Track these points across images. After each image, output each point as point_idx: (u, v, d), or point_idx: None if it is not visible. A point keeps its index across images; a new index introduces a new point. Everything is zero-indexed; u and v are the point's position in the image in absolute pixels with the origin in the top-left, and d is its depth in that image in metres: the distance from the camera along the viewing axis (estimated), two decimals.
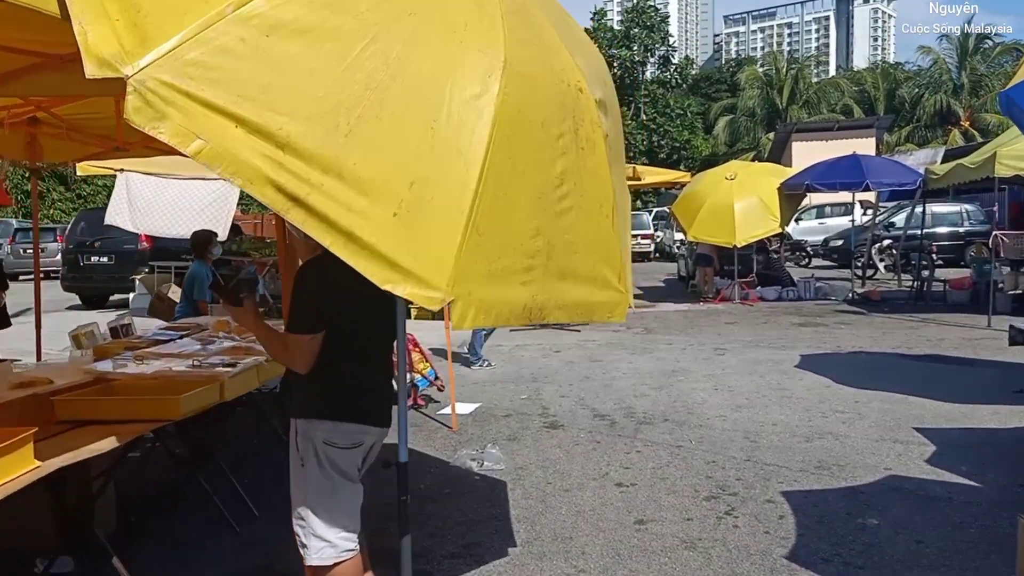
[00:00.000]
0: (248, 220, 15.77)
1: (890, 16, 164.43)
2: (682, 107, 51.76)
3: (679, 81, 55.21)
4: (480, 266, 2.22)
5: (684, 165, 43.28)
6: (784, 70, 53.24)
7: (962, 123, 45.39)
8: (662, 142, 49.33)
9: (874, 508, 4.40)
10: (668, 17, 57.19)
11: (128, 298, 13.99)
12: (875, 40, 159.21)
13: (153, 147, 5.25)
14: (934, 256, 15.13)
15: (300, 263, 2.68)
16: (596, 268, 2.74)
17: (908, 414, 6.33)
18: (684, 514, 4.38)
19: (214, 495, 4.24)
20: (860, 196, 16.58)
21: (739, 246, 13.98)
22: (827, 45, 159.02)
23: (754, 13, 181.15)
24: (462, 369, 8.47)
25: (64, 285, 15.38)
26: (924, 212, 15.35)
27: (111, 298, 15.43)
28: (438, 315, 6.26)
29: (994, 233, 11.95)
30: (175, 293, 6.91)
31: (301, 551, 2.65)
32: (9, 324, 7.49)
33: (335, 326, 2.57)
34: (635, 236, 25.90)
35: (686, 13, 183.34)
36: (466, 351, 8.83)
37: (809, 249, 22.84)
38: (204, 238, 6.53)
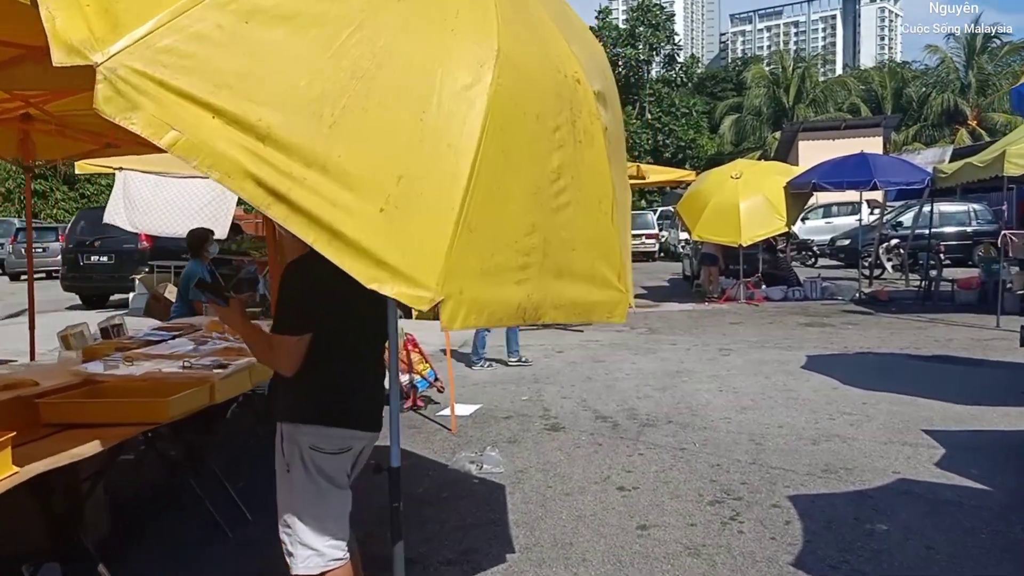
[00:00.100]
0: (250, 219, 15.66)
1: (897, 15, 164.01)
2: (687, 106, 51.52)
3: (684, 80, 54.99)
4: (472, 264, 2.12)
5: (689, 164, 43.10)
6: (791, 69, 53.02)
7: (969, 122, 45.16)
8: (667, 141, 49.11)
9: (883, 513, 4.30)
10: (673, 16, 57.09)
11: (128, 298, 13.93)
12: (882, 39, 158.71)
13: (145, 143, 5.15)
14: (942, 256, 14.98)
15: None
16: (595, 266, 2.63)
17: (917, 416, 6.21)
18: (688, 519, 4.28)
19: (207, 499, 4.16)
20: (867, 195, 16.44)
21: (744, 245, 13.87)
22: (834, 44, 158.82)
23: (760, 12, 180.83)
24: (463, 370, 8.38)
25: (64, 285, 15.30)
26: (932, 211, 15.21)
27: (111, 298, 15.37)
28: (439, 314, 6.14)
29: (1003, 232, 11.81)
30: (172, 293, 6.84)
31: (287, 560, 2.56)
32: None
33: (322, 327, 2.47)
34: (640, 235, 25.85)
35: (692, 12, 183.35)
36: (470, 351, 8.72)
37: (815, 249, 22.69)
38: (200, 236, 6.44)
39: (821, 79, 57.63)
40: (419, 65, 2.07)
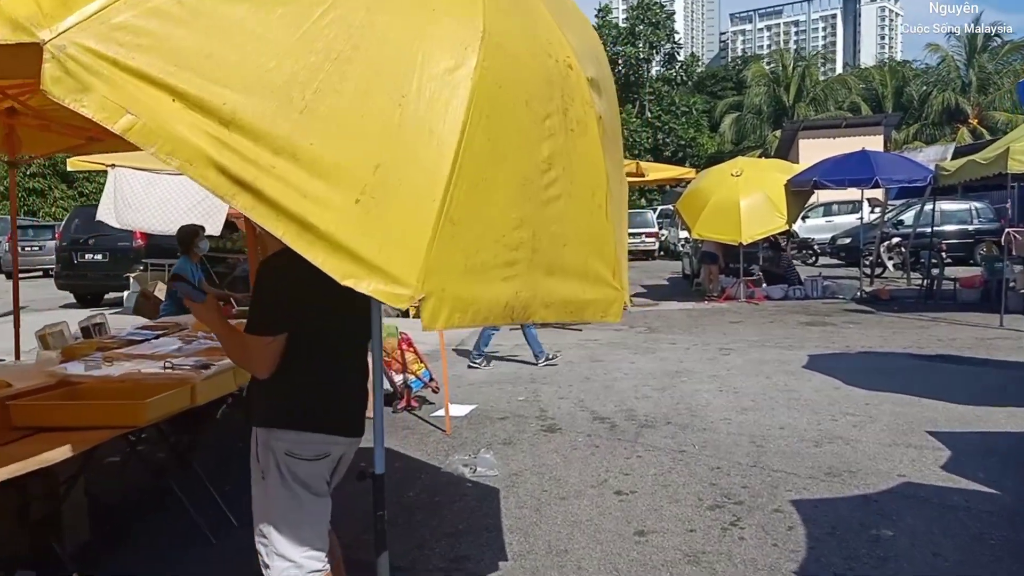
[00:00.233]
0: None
1: (897, 14, 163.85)
2: (687, 105, 51.36)
3: (684, 79, 54.82)
4: (455, 259, 1.98)
5: (689, 163, 42.87)
6: (791, 67, 52.86)
7: (970, 121, 45.02)
8: (667, 140, 48.95)
9: (888, 518, 4.16)
10: (674, 14, 56.90)
11: (123, 296, 13.79)
12: (882, 39, 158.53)
13: None
14: (944, 254, 14.84)
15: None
16: (588, 262, 2.48)
17: (921, 417, 6.08)
18: (687, 525, 4.14)
19: (191, 503, 4.03)
20: (868, 193, 16.30)
21: (745, 243, 13.74)
22: (834, 44, 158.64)
23: (760, 11, 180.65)
24: (459, 369, 8.25)
25: (58, 283, 15.16)
26: (933, 210, 15.08)
27: (106, 296, 15.23)
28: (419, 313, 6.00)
29: (1007, 230, 11.67)
30: (161, 291, 6.70)
31: (263, 572, 2.43)
32: None
33: (300, 326, 2.34)
34: (639, 234, 25.72)
35: (692, 10, 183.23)
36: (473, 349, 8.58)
37: (816, 247, 22.55)
38: (189, 233, 6.33)
39: (821, 78, 57.46)
40: (397, 46, 1.93)
